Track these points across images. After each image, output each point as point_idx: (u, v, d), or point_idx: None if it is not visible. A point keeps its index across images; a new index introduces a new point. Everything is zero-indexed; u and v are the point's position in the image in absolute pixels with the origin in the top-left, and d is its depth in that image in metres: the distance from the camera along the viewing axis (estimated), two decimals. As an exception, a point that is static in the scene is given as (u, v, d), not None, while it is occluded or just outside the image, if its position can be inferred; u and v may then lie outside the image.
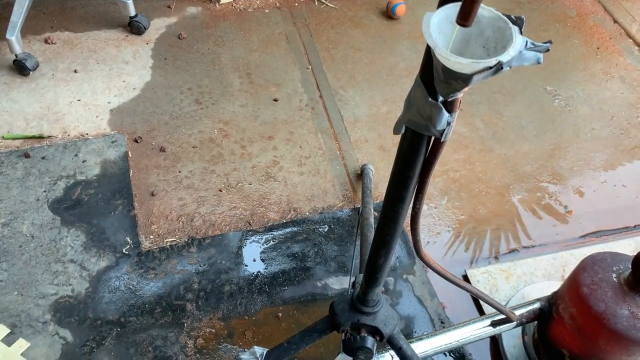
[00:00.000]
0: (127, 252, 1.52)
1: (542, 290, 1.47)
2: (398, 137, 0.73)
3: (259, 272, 1.51)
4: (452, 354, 1.41)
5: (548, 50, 0.54)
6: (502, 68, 0.52)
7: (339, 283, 1.51)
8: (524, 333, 1.41)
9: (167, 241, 1.55)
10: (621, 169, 1.86)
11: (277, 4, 2.28)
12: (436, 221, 1.67)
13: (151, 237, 1.55)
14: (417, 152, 0.70)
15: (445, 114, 0.61)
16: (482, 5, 0.53)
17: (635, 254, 1.09)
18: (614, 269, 1.15)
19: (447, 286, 1.51)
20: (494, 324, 1.22)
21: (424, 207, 1.68)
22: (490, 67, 0.51)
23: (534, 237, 1.66)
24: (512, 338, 1.40)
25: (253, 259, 1.54)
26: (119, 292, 1.45)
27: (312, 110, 1.92)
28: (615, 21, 2.38)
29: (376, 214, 1.54)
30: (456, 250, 1.62)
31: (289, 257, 1.55)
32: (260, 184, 1.70)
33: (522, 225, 1.69)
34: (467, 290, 1.03)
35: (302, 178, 1.73)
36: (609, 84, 2.13)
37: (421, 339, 1.25)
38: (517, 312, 1.27)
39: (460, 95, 0.58)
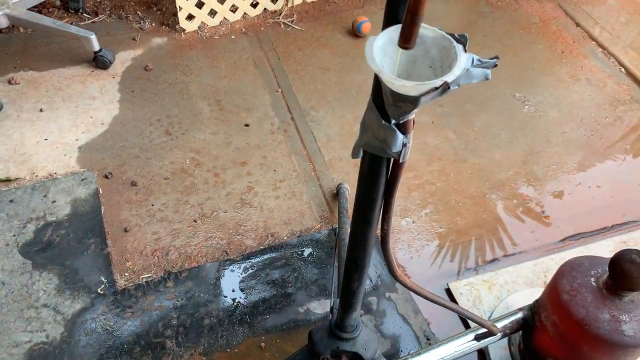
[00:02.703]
0: (102, 292, 1.48)
1: (525, 298, 1.46)
2: None
3: (238, 302, 1.48)
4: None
5: (496, 65, 0.53)
6: (449, 88, 0.51)
7: (322, 307, 1.49)
8: (510, 343, 1.39)
9: (142, 277, 1.51)
10: (594, 170, 1.88)
11: (243, 30, 2.28)
12: (415, 235, 1.66)
13: (126, 274, 1.52)
14: (377, 174, 0.69)
15: (400, 135, 0.60)
16: (424, 25, 0.52)
17: (613, 254, 1.09)
18: (592, 273, 1.14)
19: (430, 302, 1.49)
20: (478, 338, 1.21)
21: (403, 222, 1.67)
22: (437, 88, 0.50)
23: (514, 244, 1.66)
24: (498, 349, 1.39)
25: (232, 289, 1.51)
26: (95, 334, 1.41)
27: (284, 132, 1.91)
28: (578, 24, 2.42)
29: None
30: (437, 263, 1.61)
31: (268, 284, 1.52)
32: (235, 212, 1.67)
33: (501, 233, 1.69)
34: (446, 307, 1.01)
35: (278, 202, 1.71)
36: (576, 87, 2.16)
37: (406, 359, 1.23)
38: (501, 323, 1.26)
39: (411, 116, 0.57)
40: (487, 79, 0.53)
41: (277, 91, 2.05)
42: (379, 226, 0.78)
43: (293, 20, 2.33)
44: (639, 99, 2.11)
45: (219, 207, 1.68)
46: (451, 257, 1.62)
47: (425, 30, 0.53)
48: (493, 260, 1.62)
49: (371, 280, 1.54)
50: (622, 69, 2.23)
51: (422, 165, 1.85)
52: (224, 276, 1.53)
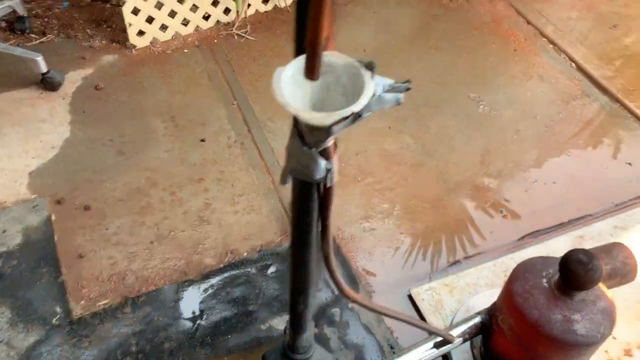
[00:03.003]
0: (57, 323, 1.44)
1: (486, 300, 1.46)
2: None
3: (199, 323, 1.46)
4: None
5: (408, 89, 0.53)
6: (360, 116, 0.50)
7: (284, 323, 1.47)
8: (472, 347, 1.40)
9: (99, 304, 1.47)
10: (549, 166, 1.90)
11: (196, 43, 2.25)
12: (376, 242, 1.66)
13: (82, 302, 1.48)
14: (308, 198, 0.68)
15: (321, 162, 0.59)
16: (333, 53, 0.51)
17: (563, 255, 1.10)
18: (544, 274, 1.15)
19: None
20: (437, 346, 1.21)
21: (364, 229, 1.67)
22: (347, 117, 0.50)
23: (474, 246, 1.67)
24: (461, 353, 1.39)
25: (192, 310, 1.48)
26: (51, 367, 1.37)
27: (241, 146, 1.89)
28: (529, 22, 2.46)
29: None
30: (399, 269, 1.61)
31: (229, 302, 1.50)
32: (193, 230, 1.65)
33: (461, 235, 1.69)
34: (398, 319, 1.01)
35: (237, 217, 1.69)
36: (529, 84, 2.19)
37: (369, 370, 1.22)
38: (460, 329, 1.26)
39: (329, 143, 0.56)
40: (398, 103, 0.53)
41: (233, 104, 2.03)
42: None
43: (247, 31, 2.31)
44: (590, 93, 2.15)
45: (176, 226, 1.65)
46: (413, 263, 1.62)
47: (334, 58, 0.52)
48: (454, 263, 1.63)
49: (333, 292, 1.53)
50: (573, 65, 2.27)
51: (381, 171, 1.85)
52: (183, 298, 1.51)
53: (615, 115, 2.06)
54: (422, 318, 1.50)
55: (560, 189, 1.83)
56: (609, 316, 1.10)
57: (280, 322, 1.47)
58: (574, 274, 1.06)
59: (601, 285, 1.15)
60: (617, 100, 2.11)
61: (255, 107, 2.02)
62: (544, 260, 1.19)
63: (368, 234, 1.67)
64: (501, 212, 1.76)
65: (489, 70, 2.23)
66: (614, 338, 1.45)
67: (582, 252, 1.07)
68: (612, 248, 1.29)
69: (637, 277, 1.36)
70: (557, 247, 1.64)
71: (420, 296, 1.53)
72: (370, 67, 0.52)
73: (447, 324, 1.47)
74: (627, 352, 1.42)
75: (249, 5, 2.33)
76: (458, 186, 1.82)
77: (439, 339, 1.22)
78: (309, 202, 0.69)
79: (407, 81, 0.53)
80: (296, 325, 0.88)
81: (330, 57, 0.49)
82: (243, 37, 2.29)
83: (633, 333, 1.46)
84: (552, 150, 1.95)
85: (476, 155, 1.91)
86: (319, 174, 0.60)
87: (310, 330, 0.91)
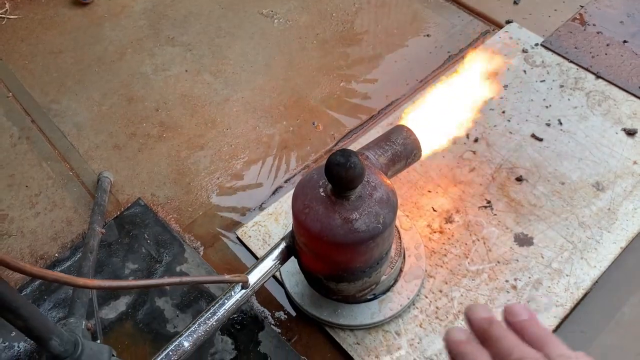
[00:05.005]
0: None
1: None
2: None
3: (23, 343, 1.35)
4: (245, 314, 1.37)
5: None
6: None
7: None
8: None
9: None
10: (354, 64, 1.87)
11: (-50, 39, 1.97)
12: (195, 194, 1.59)
13: None
14: None
15: None
16: None
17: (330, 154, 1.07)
18: (320, 183, 1.12)
19: (234, 260, 1.45)
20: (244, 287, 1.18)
21: (178, 185, 1.58)
22: None
23: (290, 169, 1.64)
24: (292, 277, 1.39)
25: (11, 332, 1.37)
26: None
27: (27, 140, 1.71)
28: None
29: (103, 231, 1.42)
30: (222, 217, 1.55)
31: (49, 311, 1.40)
32: (-7, 249, 1.50)
33: (279, 160, 1.65)
34: (143, 287, 0.95)
35: (39, 220, 1.55)
36: (321, -17, 2.10)
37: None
38: (273, 255, 1.23)
39: None
40: None
41: (8, 96, 1.81)
42: None
43: (6, 10, 2.04)
44: (380, -25, 2.10)
45: (-28, 251, 1.49)
46: (234, 205, 1.57)
47: None
48: (276, 191, 1.60)
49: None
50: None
51: (185, 119, 1.74)
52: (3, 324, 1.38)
53: (407, -9, 2.04)
54: (255, 255, 1.47)
55: (368, 84, 1.81)
56: (386, 203, 1.10)
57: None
58: (337, 177, 1.04)
59: (378, 175, 1.15)
60: (406, -25, 2.08)
61: (33, 92, 1.81)
62: (320, 169, 1.16)
63: (184, 193, 1.59)
64: (313, 124, 1.73)
65: (278, -20, 2.12)
66: (434, 210, 1.50)
67: (340, 153, 1.04)
68: (390, 133, 1.29)
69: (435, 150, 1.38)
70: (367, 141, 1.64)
71: (247, 234, 1.50)
72: None
73: (277, 253, 1.45)
74: (448, 220, 1.48)
75: (-1, -21, 2.05)
76: (266, 111, 1.75)
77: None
78: None
79: None
80: (33, 339, 0.80)
81: None
82: (4, 18, 2.02)
83: (450, 200, 1.51)
84: (354, 43, 1.91)
85: (280, 72, 1.84)
86: None
87: (60, 335, 0.84)
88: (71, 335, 0.87)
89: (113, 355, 0.94)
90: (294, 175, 1.62)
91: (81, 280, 0.82)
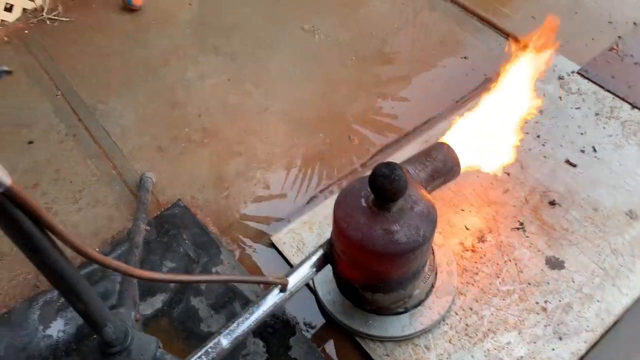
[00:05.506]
0: None
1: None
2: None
3: (60, 333, 1.39)
4: (277, 319, 1.40)
5: (9, 72, 0.47)
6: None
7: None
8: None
9: (-53, 345, 1.38)
10: (389, 82, 1.91)
11: (5, 39, 2.05)
12: (232, 201, 1.63)
13: None
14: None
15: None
16: None
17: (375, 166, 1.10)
18: (362, 194, 1.16)
19: (267, 265, 1.48)
20: (282, 290, 1.21)
21: (219, 196, 1.63)
22: None
23: (329, 177, 1.67)
24: (325, 285, 1.41)
25: (50, 321, 1.41)
26: None
27: (74, 137, 1.77)
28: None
29: (147, 228, 1.46)
30: (259, 221, 1.59)
31: (88, 302, 1.44)
32: (37, 240, 1.55)
33: (315, 170, 1.69)
34: (225, 282, 0.99)
35: (81, 215, 1.60)
36: (360, 2, 2.16)
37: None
38: (309, 262, 1.26)
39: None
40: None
41: (57, 95, 1.88)
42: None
43: (59, 13, 2.13)
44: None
45: (17, 240, 1.55)
46: (268, 212, 1.61)
47: None
48: (311, 200, 1.63)
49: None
50: (401, -28, 2.25)
51: (226, 126, 1.79)
52: (38, 311, 1.43)
53: (448, 13, 2.09)
54: (288, 261, 1.50)
55: (403, 102, 1.85)
56: (427, 217, 1.13)
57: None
58: (381, 188, 1.07)
59: (419, 189, 1.18)
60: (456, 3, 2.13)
61: (81, 93, 1.89)
62: (362, 180, 1.19)
63: (222, 197, 1.63)
64: (349, 138, 1.76)
65: (320, -3, 2.18)
66: (467, 229, 1.52)
67: (385, 165, 1.08)
68: (431, 150, 1.32)
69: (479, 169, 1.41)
70: (403, 158, 1.67)
71: (282, 240, 1.53)
72: None
73: (310, 261, 1.48)
74: (480, 239, 1.50)
75: (54, -17, 2.14)
76: (304, 125, 1.79)
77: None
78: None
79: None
80: (90, 323, 0.84)
81: None
82: (56, 20, 2.11)
83: (483, 220, 1.53)
84: (386, 64, 1.95)
85: (318, 87, 1.89)
86: None
87: (114, 323, 0.88)
88: (122, 325, 0.91)
89: (159, 347, 0.98)
90: (328, 186, 1.66)
91: (137, 271, 0.86)
